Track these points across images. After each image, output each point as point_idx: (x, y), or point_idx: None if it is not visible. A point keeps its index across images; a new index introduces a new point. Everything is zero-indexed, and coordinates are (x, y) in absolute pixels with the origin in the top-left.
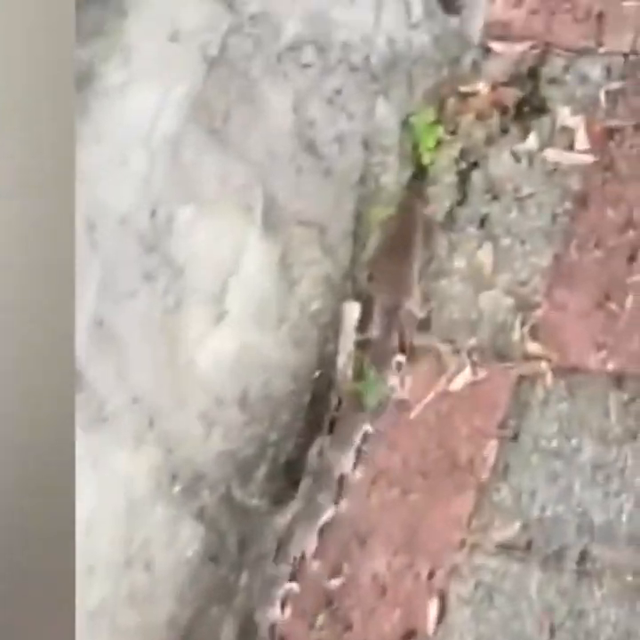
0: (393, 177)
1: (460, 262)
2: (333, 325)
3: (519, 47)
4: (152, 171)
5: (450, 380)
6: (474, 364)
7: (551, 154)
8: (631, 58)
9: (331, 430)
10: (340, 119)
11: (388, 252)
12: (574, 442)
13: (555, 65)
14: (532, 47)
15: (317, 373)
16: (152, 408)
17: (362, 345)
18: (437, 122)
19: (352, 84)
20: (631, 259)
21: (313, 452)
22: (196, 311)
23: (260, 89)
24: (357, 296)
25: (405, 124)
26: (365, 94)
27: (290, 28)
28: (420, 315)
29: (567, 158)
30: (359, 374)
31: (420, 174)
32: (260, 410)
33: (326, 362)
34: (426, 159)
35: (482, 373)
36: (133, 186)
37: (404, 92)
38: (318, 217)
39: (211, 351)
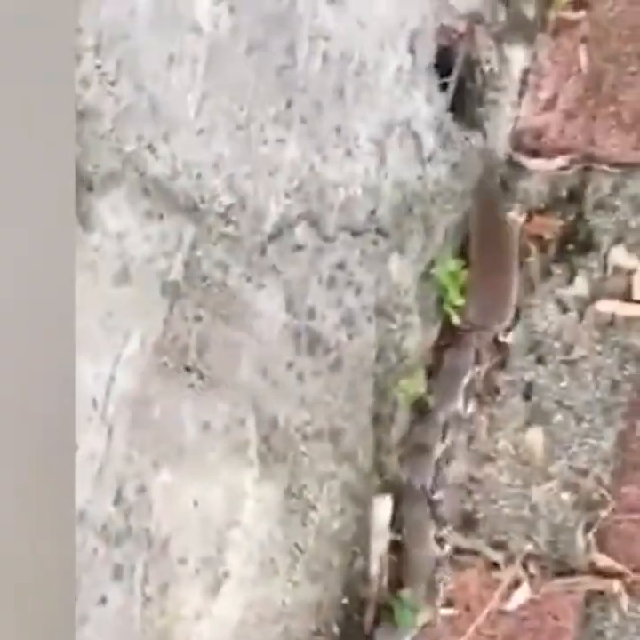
0: (417, 338)
1: (504, 444)
2: (357, 537)
3: (556, 161)
4: (110, 446)
5: (504, 597)
6: (531, 577)
7: (604, 305)
8: None
9: None
10: (345, 297)
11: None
12: None
13: (601, 184)
14: (573, 161)
15: (345, 599)
16: None
17: (394, 548)
18: (463, 267)
19: (357, 252)
20: None
21: None
22: (188, 587)
23: (241, 299)
24: (387, 488)
25: (426, 276)
26: (374, 258)
27: (273, 208)
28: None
29: (624, 309)
30: (394, 587)
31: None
32: None
33: (354, 581)
34: (454, 317)
35: (542, 589)
36: (88, 475)
37: (421, 240)
38: (329, 422)
39: (210, 624)
